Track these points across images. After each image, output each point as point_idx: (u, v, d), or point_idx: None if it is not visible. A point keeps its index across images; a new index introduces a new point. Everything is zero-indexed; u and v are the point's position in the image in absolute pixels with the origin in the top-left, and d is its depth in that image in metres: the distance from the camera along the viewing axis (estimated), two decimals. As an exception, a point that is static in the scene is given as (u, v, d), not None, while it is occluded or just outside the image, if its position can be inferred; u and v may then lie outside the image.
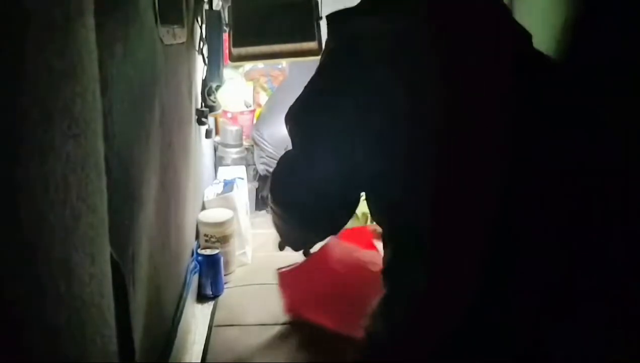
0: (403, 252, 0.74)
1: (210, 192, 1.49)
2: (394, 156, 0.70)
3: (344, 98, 0.72)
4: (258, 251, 1.49)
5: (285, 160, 0.86)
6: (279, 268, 1.20)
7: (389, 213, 0.77)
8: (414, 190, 0.69)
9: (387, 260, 0.77)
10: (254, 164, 1.80)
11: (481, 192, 0.65)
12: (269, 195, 0.90)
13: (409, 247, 0.72)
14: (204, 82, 1.40)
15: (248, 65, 1.87)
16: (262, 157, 1.74)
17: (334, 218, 0.84)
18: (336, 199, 0.79)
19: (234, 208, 1.39)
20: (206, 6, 1.35)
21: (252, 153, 1.80)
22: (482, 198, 0.65)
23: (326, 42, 0.80)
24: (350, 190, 0.80)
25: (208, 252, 1.26)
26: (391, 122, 0.69)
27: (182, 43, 1.08)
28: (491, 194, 0.64)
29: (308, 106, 0.78)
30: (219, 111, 1.52)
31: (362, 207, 0.88)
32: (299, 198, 0.82)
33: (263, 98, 1.92)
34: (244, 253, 1.44)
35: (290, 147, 0.83)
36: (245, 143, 1.79)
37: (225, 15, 1.40)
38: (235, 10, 1.36)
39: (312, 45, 1.32)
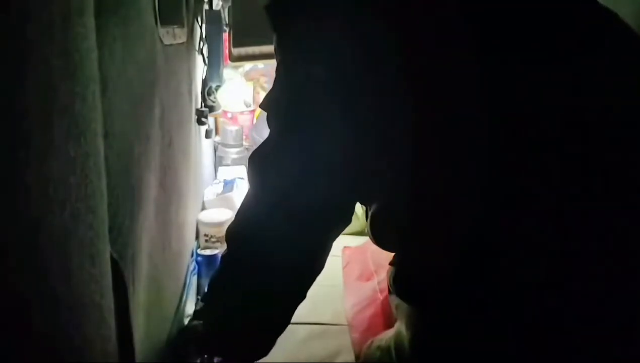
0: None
1: (210, 192, 1.49)
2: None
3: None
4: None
5: (242, 207, 0.78)
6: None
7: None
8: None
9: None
10: (254, 164, 1.80)
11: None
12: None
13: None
14: (204, 82, 1.40)
15: (248, 65, 1.87)
16: (262, 157, 1.74)
17: (324, 219, 0.73)
18: (311, 240, 0.73)
19: (234, 209, 1.39)
20: (206, 6, 1.35)
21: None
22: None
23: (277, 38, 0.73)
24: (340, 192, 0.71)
25: (208, 252, 1.26)
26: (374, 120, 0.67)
27: (182, 43, 1.08)
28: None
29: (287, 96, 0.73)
30: (219, 111, 1.52)
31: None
32: (264, 234, 0.73)
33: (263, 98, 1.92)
34: (244, 253, 1.44)
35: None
36: (245, 143, 1.79)
37: (225, 15, 1.40)
38: (235, 10, 1.36)
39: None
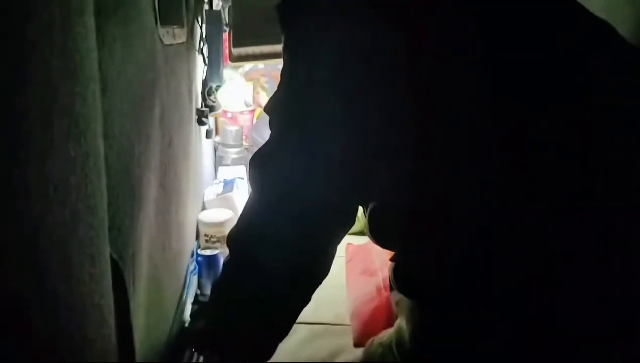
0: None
1: (210, 192, 1.49)
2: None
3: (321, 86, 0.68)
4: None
5: (246, 209, 0.78)
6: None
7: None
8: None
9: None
10: (254, 164, 1.80)
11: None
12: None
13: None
14: (204, 82, 1.40)
15: (248, 65, 1.87)
16: (261, 157, 1.74)
17: (322, 226, 0.72)
18: (320, 200, 0.70)
19: (234, 208, 1.39)
20: (206, 6, 1.35)
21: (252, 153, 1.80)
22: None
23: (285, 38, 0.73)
24: (336, 193, 0.70)
25: (208, 252, 1.26)
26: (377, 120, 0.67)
27: (182, 43, 1.08)
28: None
29: (286, 96, 0.73)
30: (219, 111, 1.52)
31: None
32: (268, 239, 0.72)
33: (263, 98, 1.92)
34: (244, 253, 1.44)
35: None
36: (245, 143, 1.80)
37: (225, 15, 1.40)
38: (235, 10, 1.36)
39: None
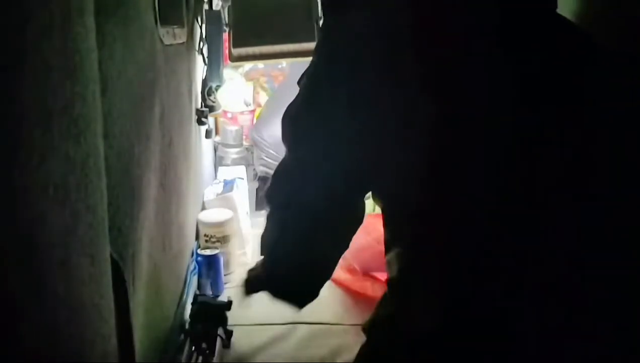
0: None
1: (210, 192, 1.50)
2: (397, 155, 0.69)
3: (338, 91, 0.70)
4: (258, 251, 1.49)
5: (278, 167, 0.83)
6: None
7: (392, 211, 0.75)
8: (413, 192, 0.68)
9: (394, 268, 0.76)
10: (254, 164, 1.80)
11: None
12: (266, 201, 0.86)
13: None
14: (204, 82, 1.40)
15: (248, 65, 1.87)
16: (261, 157, 1.75)
17: (338, 221, 0.78)
18: (337, 201, 0.75)
19: (234, 208, 1.39)
20: (206, 6, 1.35)
21: (252, 153, 1.80)
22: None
23: (321, 31, 0.77)
24: (352, 190, 0.76)
25: (208, 252, 1.26)
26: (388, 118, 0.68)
27: (182, 43, 1.08)
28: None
29: (300, 105, 0.76)
30: (219, 111, 1.52)
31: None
32: (296, 198, 0.78)
33: (263, 98, 1.92)
34: (244, 253, 1.44)
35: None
36: (245, 143, 1.80)
37: (225, 15, 1.40)
38: (235, 10, 1.36)
39: (312, 45, 1.32)
